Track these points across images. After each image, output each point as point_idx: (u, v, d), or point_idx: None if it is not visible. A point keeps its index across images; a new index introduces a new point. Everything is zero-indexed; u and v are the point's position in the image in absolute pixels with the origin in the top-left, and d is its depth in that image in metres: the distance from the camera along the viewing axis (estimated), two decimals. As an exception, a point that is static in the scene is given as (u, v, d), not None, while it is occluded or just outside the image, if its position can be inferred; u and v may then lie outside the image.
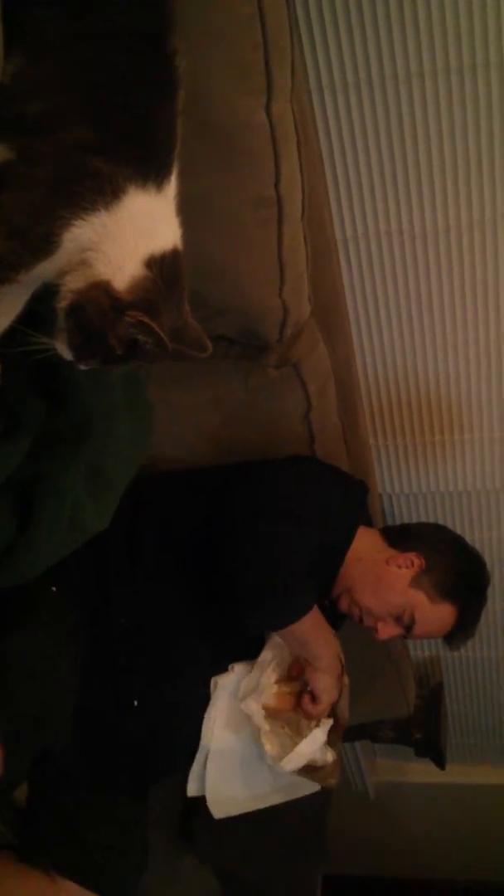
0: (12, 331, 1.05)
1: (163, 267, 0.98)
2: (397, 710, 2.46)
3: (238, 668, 1.66)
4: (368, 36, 1.66)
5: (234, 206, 1.36)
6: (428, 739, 2.66)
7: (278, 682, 1.64)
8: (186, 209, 1.05)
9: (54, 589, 1.48)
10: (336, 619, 1.78)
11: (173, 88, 0.98)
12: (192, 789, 1.69)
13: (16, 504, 1.21)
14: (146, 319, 0.95)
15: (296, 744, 1.59)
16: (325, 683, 1.60)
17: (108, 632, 1.57)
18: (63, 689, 1.47)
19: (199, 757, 1.67)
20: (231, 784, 1.70)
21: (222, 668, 1.66)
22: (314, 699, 1.61)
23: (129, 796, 1.69)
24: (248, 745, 1.66)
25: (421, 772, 3.05)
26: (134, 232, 0.95)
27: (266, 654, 1.64)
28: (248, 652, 1.66)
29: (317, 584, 1.67)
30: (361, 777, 3.07)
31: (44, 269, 0.95)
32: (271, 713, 1.62)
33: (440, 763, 2.67)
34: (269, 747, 1.60)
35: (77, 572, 1.49)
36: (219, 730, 1.65)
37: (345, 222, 1.90)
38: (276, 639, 1.65)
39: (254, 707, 1.60)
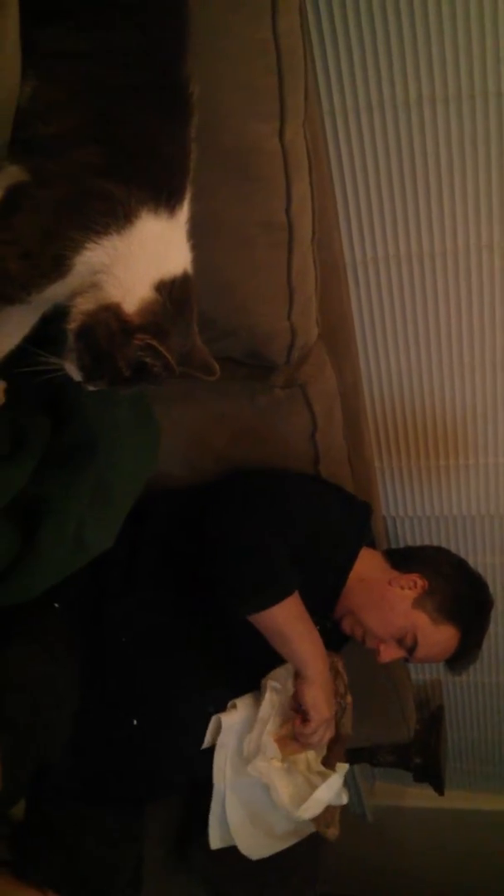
0: (22, 350, 1.06)
1: (172, 291, 0.99)
2: (397, 735, 2.45)
3: (240, 706, 1.64)
4: (381, 60, 1.67)
5: (244, 229, 1.36)
6: (427, 764, 2.64)
7: (279, 730, 1.62)
8: (197, 231, 1.06)
9: (56, 605, 1.48)
10: (338, 640, 1.78)
11: (187, 114, 0.99)
12: (214, 840, 1.69)
13: (20, 523, 1.21)
14: (154, 343, 0.96)
15: (309, 782, 1.59)
16: (313, 696, 1.57)
17: (107, 649, 1.57)
18: (61, 706, 1.47)
19: (215, 804, 1.66)
20: (254, 827, 1.69)
21: (222, 688, 1.66)
22: (305, 718, 1.58)
23: (126, 814, 1.69)
24: (262, 796, 1.65)
25: (419, 796, 3.03)
26: (145, 256, 0.96)
27: (265, 710, 1.61)
28: (248, 670, 1.65)
29: (317, 599, 1.67)
30: (360, 800, 3.05)
31: (55, 291, 0.96)
32: (283, 751, 1.61)
33: (439, 788, 2.66)
34: (285, 799, 1.59)
35: (78, 589, 1.50)
36: (231, 779, 1.64)
37: (354, 245, 1.92)
38: (273, 685, 1.63)
39: (262, 767, 1.58)
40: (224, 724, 1.62)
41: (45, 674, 1.43)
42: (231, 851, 1.72)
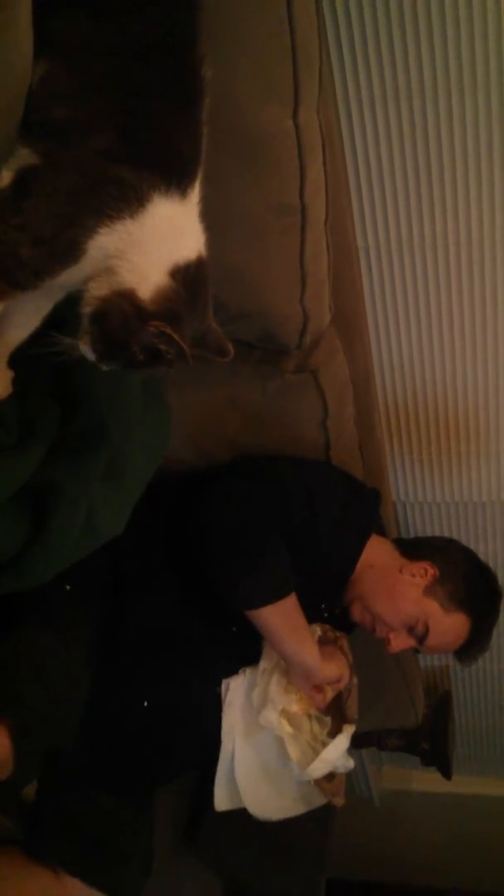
0: (35, 332, 1.06)
1: (187, 276, 0.99)
2: (405, 719, 2.46)
3: (249, 672, 1.66)
4: (396, 48, 1.66)
5: (257, 213, 1.36)
6: (435, 749, 2.65)
7: (288, 686, 1.64)
8: (209, 214, 1.06)
9: (68, 588, 1.48)
10: (346, 628, 1.78)
11: (199, 97, 0.98)
12: (220, 801, 1.69)
13: (31, 510, 1.21)
14: (168, 330, 0.96)
15: (314, 750, 1.60)
16: (302, 682, 1.60)
17: (119, 632, 1.58)
18: (73, 689, 1.48)
19: (222, 763, 1.67)
20: (262, 789, 1.69)
21: (233, 669, 1.67)
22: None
23: (136, 796, 1.70)
24: (271, 752, 1.67)
25: (427, 781, 3.05)
26: (159, 240, 0.96)
27: (265, 664, 1.64)
28: (258, 652, 1.66)
29: (326, 586, 1.68)
30: (367, 784, 3.06)
31: (68, 277, 0.96)
32: (290, 719, 1.62)
33: (446, 773, 2.67)
34: (295, 755, 1.60)
35: (89, 573, 1.50)
36: (240, 736, 1.65)
37: (367, 230, 1.91)
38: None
39: (272, 717, 1.59)
40: (232, 685, 1.64)
41: (57, 657, 1.44)
42: (240, 836, 1.73)
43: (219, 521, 1.52)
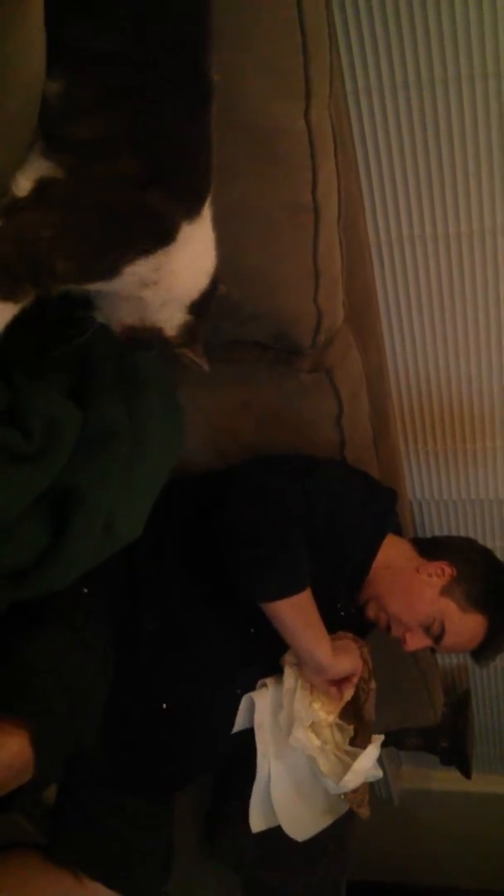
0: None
1: (203, 304, 1.09)
2: (424, 718, 2.45)
3: (272, 688, 1.65)
4: (405, 39, 1.65)
5: (269, 211, 1.36)
6: (454, 748, 2.64)
7: (311, 698, 1.63)
8: (222, 214, 1.06)
9: (85, 591, 1.48)
10: (362, 627, 1.77)
11: (210, 104, 1.01)
12: (256, 823, 1.70)
13: (51, 513, 1.21)
14: (191, 354, 1.11)
15: (342, 760, 1.60)
16: (316, 679, 1.60)
17: (136, 634, 1.57)
18: (91, 691, 1.47)
19: (257, 787, 1.67)
20: (296, 808, 1.70)
21: (252, 672, 1.66)
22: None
23: (156, 799, 1.70)
24: (303, 769, 1.67)
25: (446, 780, 3.03)
26: (185, 272, 1.04)
27: (288, 683, 1.62)
28: (275, 651, 1.65)
29: (341, 585, 1.67)
30: (386, 784, 3.05)
31: (98, 285, 1.02)
32: (316, 732, 1.62)
33: (466, 772, 2.65)
34: (326, 769, 1.60)
35: (107, 575, 1.50)
36: (273, 758, 1.65)
37: (378, 226, 1.89)
38: (289, 658, 1.64)
39: (301, 736, 1.59)
40: (258, 704, 1.63)
41: (76, 659, 1.44)
42: (259, 837, 1.73)
43: (242, 514, 1.52)
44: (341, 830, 2.02)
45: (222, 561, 1.52)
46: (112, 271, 0.98)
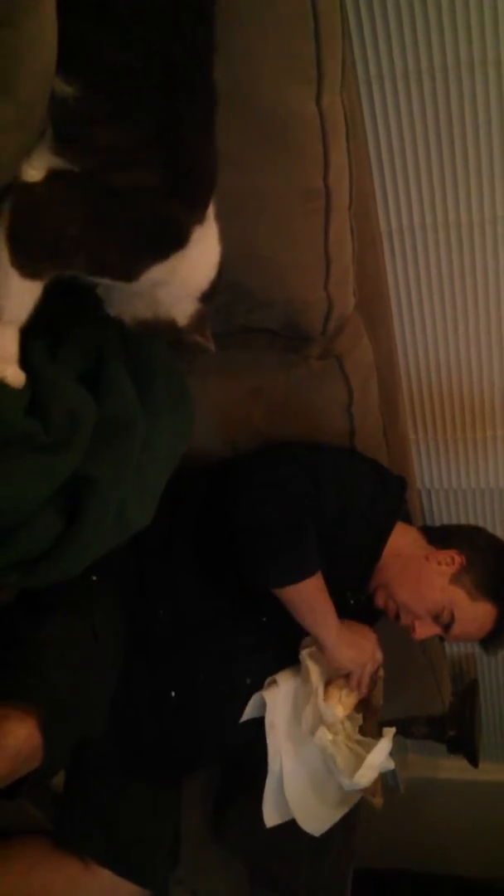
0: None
1: (212, 293, 1.13)
2: (431, 707, 2.45)
3: (281, 681, 1.65)
4: (418, 26, 1.63)
5: (281, 197, 1.35)
6: (461, 737, 2.64)
7: (329, 691, 1.64)
8: (234, 200, 1.06)
9: (95, 578, 1.48)
10: (371, 615, 1.77)
11: (214, 109, 1.05)
12: (269, 818, 1.71)
13: (64, 501, 1.21)
14: (201, 340, 1.15)
15: (354, 752, 1.60)
16: (339, 657, 1.60)
17: (145, 623, 1.58)
18: (100, 679, 1.48)
19: (269, 783, 1.68)
20: (311, 803, 1.71)
21: (261, 658, 1.66)
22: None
23: (164, 785, 1.70)
24: (317, 764, 1.67)
25: (453, 768, 3.03)
26: (196, 271, 1.10)
27: (315, 680, 1.62)
28: (283, 638, 1.65)
29: (350, 573, 1.67)
30: (393, 772, 3.05)
31: (107, 281, 1.08)
32: (330, 726, 1.63)
33: (473, 761, 2.66)
34: (342, 765, 1.61)
35: (116, 564, 1.50)
36: (287, 756, 1.66)
37: (389, 214, 1.88)
38: (311, 651, 1.64)
39: (325, 737, 1.60)
40: (269, 703, 1.63)
41: (85, 647, 1.44)
42: (266, 827, 1.74)
43: (250, 502, 1.51)
44: (349, 820, 2.03)
45: (231, 548, 1.51)
46: (130, 275, 1.04)
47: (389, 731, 1.66)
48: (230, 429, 1.76)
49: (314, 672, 1.62)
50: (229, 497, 1.53)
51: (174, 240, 1.04)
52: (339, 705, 1.62)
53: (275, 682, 1.66)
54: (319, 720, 1.60)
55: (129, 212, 0.99)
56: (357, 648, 1.62)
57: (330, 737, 1.61)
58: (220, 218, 1.11)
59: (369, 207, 1.71)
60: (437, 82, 1.69)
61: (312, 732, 1.59)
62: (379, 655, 1.67)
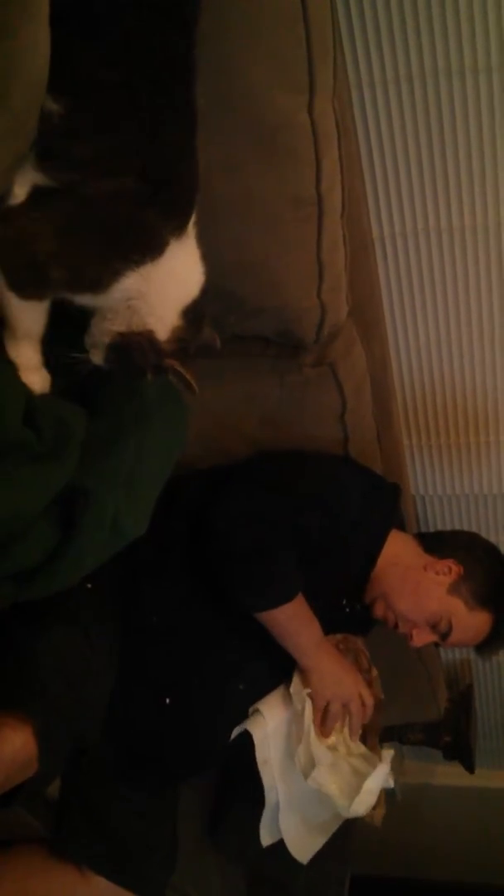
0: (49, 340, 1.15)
1: (194, 312, 1.10)
2: (427, 713, 2.45)
3: (266, 712, 1.65)
4: (409, 32, 1.64)
5: (273, 205, 1.35)
6: (457, 743, 2.64)
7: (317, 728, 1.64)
8: (226, 208, 1.06)
9: (89, 586, 1.48)
10: (366, 624, 1.77)
11: (195, 123, 1.05)
12: (266, 839, 1.73)
13: (57, 513, 1.21)
14: (181, 369, 1.11)
15: (355, 770, 1.60)
16: (315, 681, 1.60)
17: (140, 630, 1.58)
18: (96, 686, 1.48)
19: (267, 806, 1.69)
20: (305, 826, 1.73)
21: (252, 665, 1.66)
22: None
23: (160, 793, 1.70)
24: (312, 798, 1.66)
25: (449, 774, 3.02)
26: (174, 282, 1.07)
27: (307, 721, 1.61)
28: (281, 649, 1.65)
29: (346, 583, 1.67)
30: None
31: (86, 298, 1.06)
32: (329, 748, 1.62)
33: (469, 767, 2.65)
34: (337, 797, 1.59)
35: (110, 571, 1.50)
36: (282, 794, 1.66)
37: (382, 220, 1.89)
38: (306, 692, 1.63)
39: (321, 778, 1.58)
40: (256, 737, 1.63)
41: (80, 654, 1.44)
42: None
43: (228, 530, 1.53)
44: (345, 827, 2.03)
45: (214, 574, 1.53)
46: (101, 284, 1.02)
47: (388, 755, 1.66)
48: (223, 435, 1.76)
49: (307, 709, 1.61)
50: (207, 522, 1.54)
51: (147, 246, 1.02)
52: (339, 744, 1.63)
53: (258, 711, 1.65)
54: (313, 761, 1.59)
55: (102, 218, 1.00)
56: (335, 679, 1.63)
57: (331, 759, 1.60)
58: (212, 225, 1.11)
59: (361, 213, 1.72)
60: (429, 88, 1.70)
61: (307, 775, 1.58)
62: (368, 699, 1.67)
